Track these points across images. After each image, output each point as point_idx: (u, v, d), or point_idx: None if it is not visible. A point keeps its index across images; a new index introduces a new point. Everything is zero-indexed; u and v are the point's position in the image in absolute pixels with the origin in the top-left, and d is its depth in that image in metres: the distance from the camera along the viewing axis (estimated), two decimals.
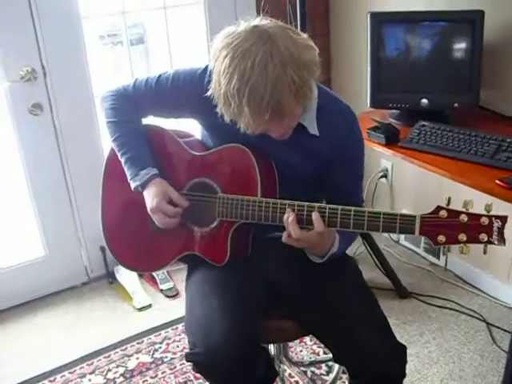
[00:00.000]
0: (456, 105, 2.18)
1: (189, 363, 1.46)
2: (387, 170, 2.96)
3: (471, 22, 2.10)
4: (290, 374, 2.16)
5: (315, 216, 1.36)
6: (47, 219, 2.65)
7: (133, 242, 1.67)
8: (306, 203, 1.39)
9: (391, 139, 2.10)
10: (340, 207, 1.36)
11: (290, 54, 1.26)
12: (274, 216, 1.42)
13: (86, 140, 2.60)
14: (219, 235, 1.52)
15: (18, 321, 2.60)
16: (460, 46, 2.18)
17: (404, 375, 1.48)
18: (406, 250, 2.95)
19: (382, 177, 2.98)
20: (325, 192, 1.58)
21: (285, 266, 1.58)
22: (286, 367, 2.06)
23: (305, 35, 1.34)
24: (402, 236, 2.95)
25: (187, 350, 1.46)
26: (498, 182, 1.76)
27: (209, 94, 1.36)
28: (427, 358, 2.24)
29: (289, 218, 1.37)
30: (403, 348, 1.47)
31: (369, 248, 2.62)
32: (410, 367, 2.19)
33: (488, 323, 2.40)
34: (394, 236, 3.00)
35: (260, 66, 1.24)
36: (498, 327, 2.37)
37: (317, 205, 1.38)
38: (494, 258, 2.51)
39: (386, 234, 3.02)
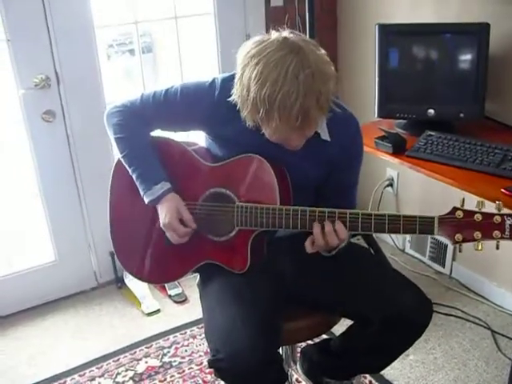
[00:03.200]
0: (462, 115, 2.21)
1: (208, 369, 1.53)
2: (393, 179, 2.99)
3: (477, 34, 2.14)
4: (297, 379, 2.18)
5: (338, 225, 1.43)
6: (58, 224, 2.69)
7: (147, 255, 1.67)
8: (327, 209, 1.44)
9: (398, 148, 2.13)
10: (360, 211, 1.42)
11: (317, 66, 1.32)
12: (295, 223, 1.47)
13: (97, 147, 2.64)
14: (239, 243, 1.55)
15: (27, 324, 2.63)
16: (466, 58, 2.21)
17: (427, 325, 1.55)
18: (411, 258, 2.97)
19: (387, 186, 3.01)
20: (321, 191, 1.62)
21: (298, 261, 1.61)
22: (293, 372, 2.08)
23: (323, 51, 1.39)
24: (408, 245, 2.99)
25: (209, 357, 1.47)
26: (503, 190, 1.79)
27: (231, 99, 1.39)
28: (432, 364, 2.27)
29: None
30: (430, 300, 1.56)
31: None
32: (415, 373, 2.21)
33: (493, 331, 2.42)
34: (400, 244, 3.03)
35: (292, 75, 1.29)
36: (503, 335, 2.39)
37: (337, 211, 1.44)
38: (499, 266, 2.53)
39: (391, 243, 3.05)
